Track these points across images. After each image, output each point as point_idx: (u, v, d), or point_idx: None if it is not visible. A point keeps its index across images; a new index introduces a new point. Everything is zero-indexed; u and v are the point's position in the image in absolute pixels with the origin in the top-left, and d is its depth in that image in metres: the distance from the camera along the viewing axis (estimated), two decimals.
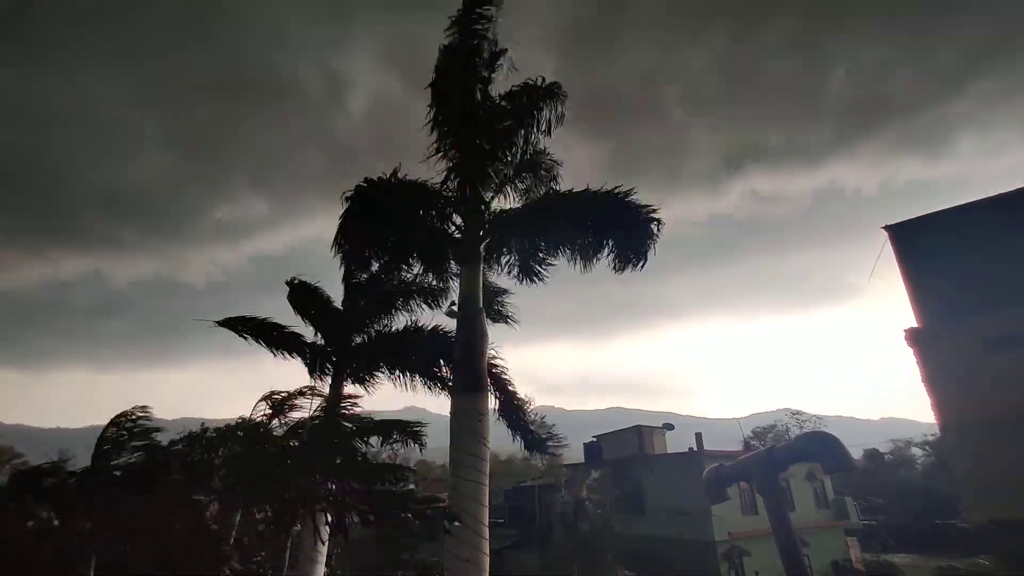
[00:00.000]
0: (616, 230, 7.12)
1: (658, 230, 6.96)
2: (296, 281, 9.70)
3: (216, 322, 9.13)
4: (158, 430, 7.06)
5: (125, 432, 6.85)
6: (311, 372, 9.78)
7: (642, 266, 7.13)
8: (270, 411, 9.55)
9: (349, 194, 6.85)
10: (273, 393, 9.86)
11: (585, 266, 7.47)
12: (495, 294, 9.42)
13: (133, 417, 7.06)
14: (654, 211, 7.00)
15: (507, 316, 9.64)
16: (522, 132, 6.96)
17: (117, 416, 7.09)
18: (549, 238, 7.63)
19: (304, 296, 9.76)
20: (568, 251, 7.57)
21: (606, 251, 7.28)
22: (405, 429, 9.24)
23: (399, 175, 6.99)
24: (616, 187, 7.33)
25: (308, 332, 9.87)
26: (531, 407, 9.14)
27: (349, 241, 7.10)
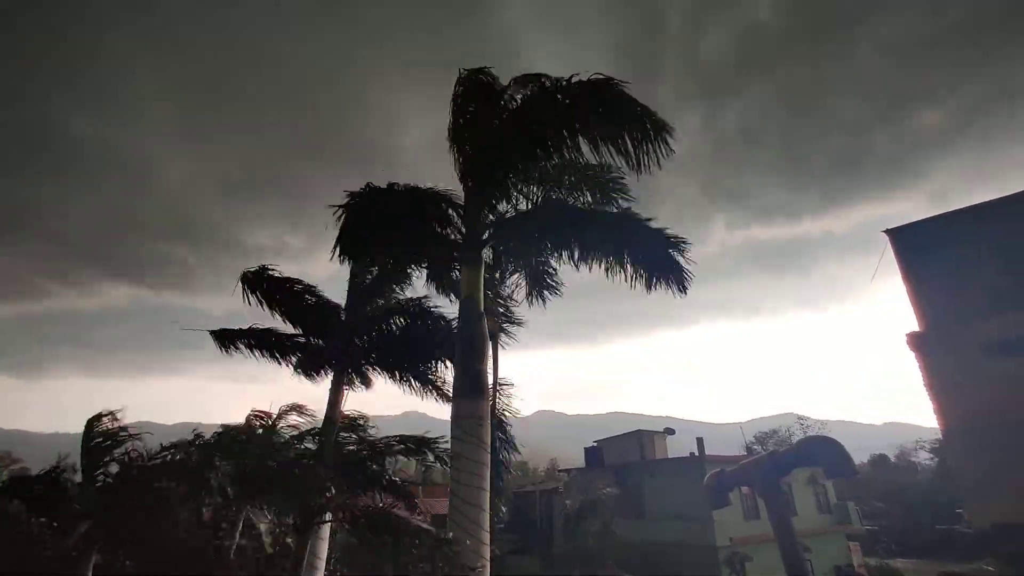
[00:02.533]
0: (636, 252, 6.90)
1: (682, 255, 6.69)
2: (259, 271, 8.76)
3: (210, 332, 9.12)
4: (134, 436, 6.99)
5: (108, 439, 6.81)
6: (307, 376, 9.76)
7: (682, 291, 6.85)
8: (268, 419, 9.50)
9: (347, 199, 6.81)
10: (263, 413, 9.76)
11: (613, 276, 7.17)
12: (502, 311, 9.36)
13: (110, 424, 7.01)
14: (677, 239, 6.74)
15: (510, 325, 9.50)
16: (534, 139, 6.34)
17: (91, 421, 7.03)
18: (558, 248, 7.44)
19: (269, 288, 8.86)
20: (584, 262, 7.32)
21: (628, 270, 7.06)
22: (427, 445, 8.84)
23: (412, 183, 6.97)
24: (629, 209, 7.04)
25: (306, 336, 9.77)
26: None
27: (349, 244, 7.02)
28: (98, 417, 7.11)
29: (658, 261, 6.89)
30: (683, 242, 6.79)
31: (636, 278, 7.05)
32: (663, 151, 5.86)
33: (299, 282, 9.13)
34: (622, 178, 7.44)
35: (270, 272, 8.89)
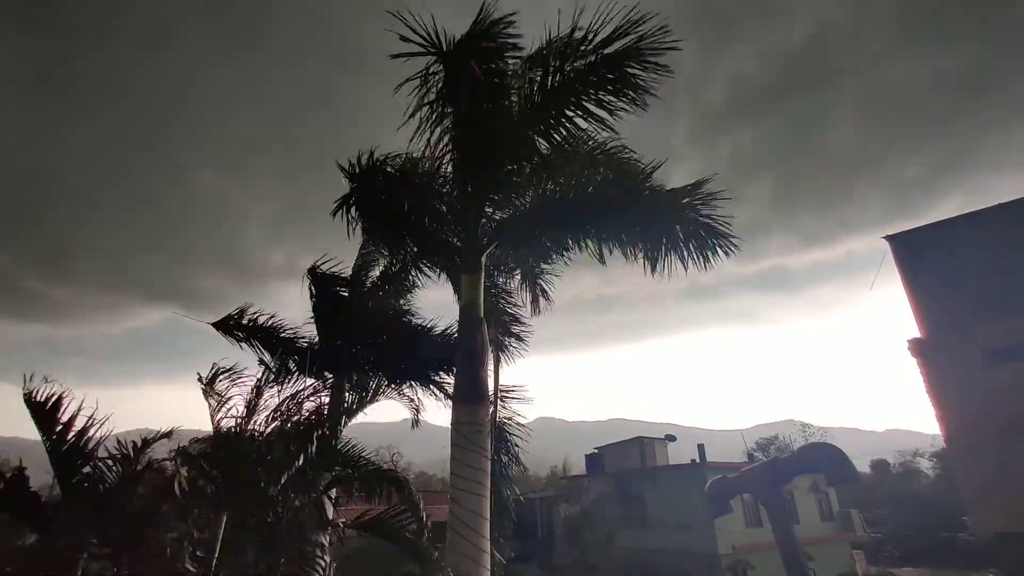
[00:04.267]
0: (655, 225, 6.23)
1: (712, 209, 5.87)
2: (318, 270, 9.12)
3: (211, 323, 9.14)
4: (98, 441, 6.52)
5: (79, 446, 6.39)
6: (304, 374, 9.76)
7: (727, 251, 6.06)
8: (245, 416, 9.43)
9: (354, 184, 6.74)
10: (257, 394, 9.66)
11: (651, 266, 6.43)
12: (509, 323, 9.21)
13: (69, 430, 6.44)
14: (698, 193, 5.87)
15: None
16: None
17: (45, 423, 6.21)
18: (568, 240, 7.07)
19: (324, 285, 9.21)
20: (598, 248, 6.77)
21: (660, 250, 6.35)
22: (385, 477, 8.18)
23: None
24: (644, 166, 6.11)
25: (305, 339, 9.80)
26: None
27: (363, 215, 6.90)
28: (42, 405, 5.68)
29: (687, 227, 6.08)
30: (708, 199, 5.84)
31: (666, 257, 6.38)
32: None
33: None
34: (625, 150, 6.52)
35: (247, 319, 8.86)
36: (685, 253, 6.32)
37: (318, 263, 9.19)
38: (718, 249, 6.19)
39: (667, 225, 6.26)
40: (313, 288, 9.14)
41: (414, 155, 6.73)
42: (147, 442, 6.07)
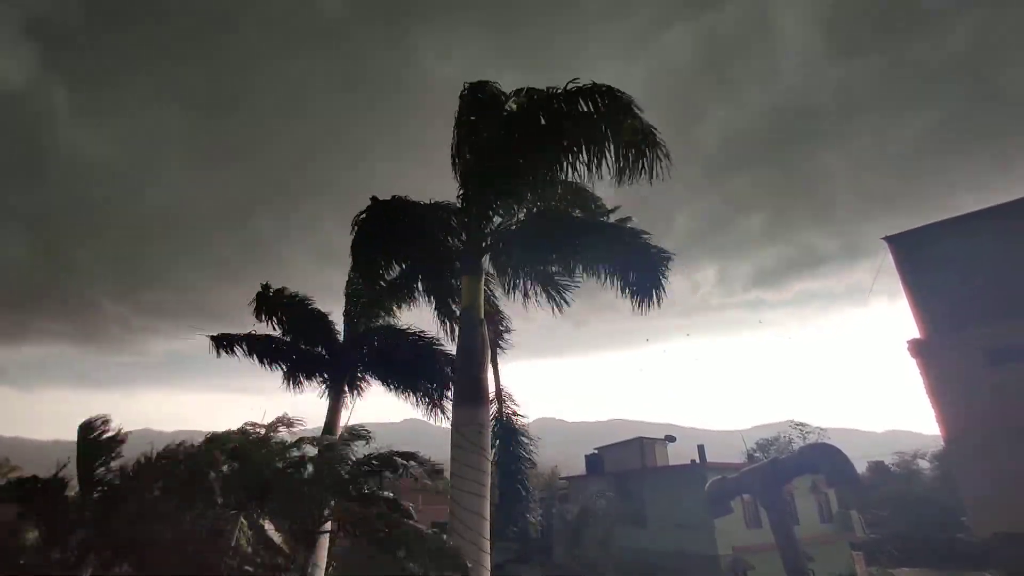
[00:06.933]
0: (624, 265, 6.86)
1: (665, 275, 6.65)
2: (268, 289, 9.40)
3: (209, 336, 9.24)
4: (122, 442, 6.93)
5: (102, 445, 6.69)
6: (296, 380, 9.85)
7: (656, 303, 6.74)
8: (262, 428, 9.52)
9: (362, 215, 6.96)
10: (255, 424, 9.77)
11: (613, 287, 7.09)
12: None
13: (102, 429, 6.86)
14: (664, 255, 6.68)
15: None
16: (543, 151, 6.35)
17: (84, 426, 6.89)
18: (556, 258, 7.49)
19: (278, 305, 9.48)
20: (581, 272, 7.41)
21: (617, 282, 6.97)
22: (396, 467, 8.25)
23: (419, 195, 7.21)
24: (625, 219, 7.32)
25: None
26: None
27: (362, 256, 7.11)
28: (89, 423, 6.98)
29: (645, 277, 6.79)
30: (668, 260, 6.71)
31: (623, 293, 6.91)
32: (653, 167, 5.90)
33: (304, 298, 9.63)
34: (609, 208, 7.72)
35: (276, 291, 9.40)
36: (635, 295, 6.78)
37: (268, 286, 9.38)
38: (644, 300, 6.68)
39: (628, 267, 6.80)
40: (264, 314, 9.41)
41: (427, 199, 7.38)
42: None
